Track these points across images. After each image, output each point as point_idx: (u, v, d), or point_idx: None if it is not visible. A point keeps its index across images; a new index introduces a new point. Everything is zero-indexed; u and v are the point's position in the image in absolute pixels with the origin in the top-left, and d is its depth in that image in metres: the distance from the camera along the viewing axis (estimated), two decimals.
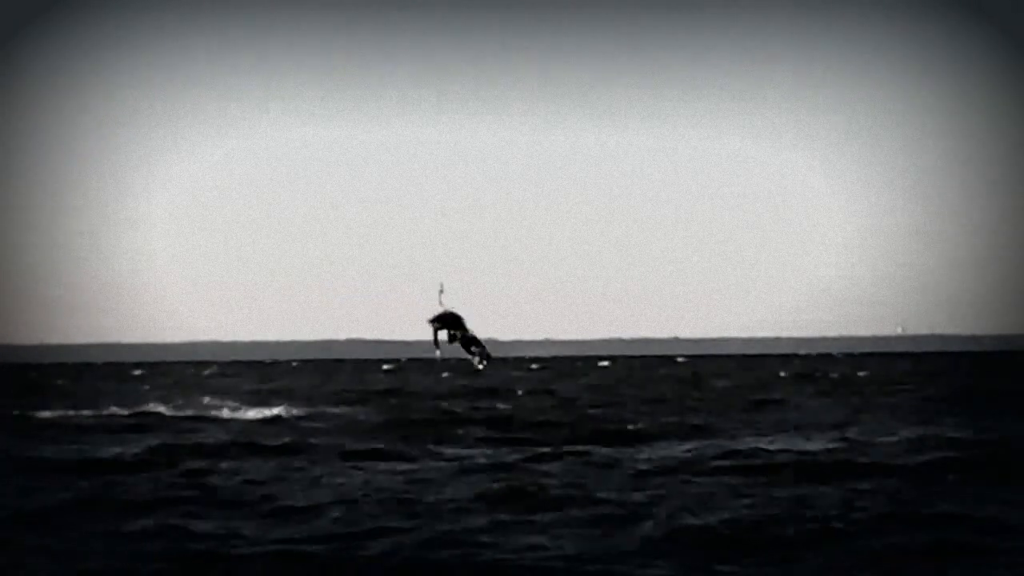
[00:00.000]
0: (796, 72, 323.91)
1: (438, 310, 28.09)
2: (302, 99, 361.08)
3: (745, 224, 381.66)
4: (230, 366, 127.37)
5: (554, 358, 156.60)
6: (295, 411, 29.79)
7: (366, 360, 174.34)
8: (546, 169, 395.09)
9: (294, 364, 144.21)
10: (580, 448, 18.81)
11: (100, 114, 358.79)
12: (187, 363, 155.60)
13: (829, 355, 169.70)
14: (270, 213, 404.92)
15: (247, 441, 20.46)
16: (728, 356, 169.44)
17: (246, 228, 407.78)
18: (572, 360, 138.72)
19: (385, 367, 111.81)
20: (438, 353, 29.27)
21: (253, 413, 29.09)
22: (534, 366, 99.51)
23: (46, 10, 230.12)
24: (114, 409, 30.46)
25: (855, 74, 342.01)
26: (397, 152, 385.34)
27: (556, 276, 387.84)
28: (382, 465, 16.79)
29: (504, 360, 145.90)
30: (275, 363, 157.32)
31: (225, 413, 29.10)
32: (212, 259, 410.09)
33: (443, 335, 27.97)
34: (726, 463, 16.40)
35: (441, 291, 28.53)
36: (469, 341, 28.48)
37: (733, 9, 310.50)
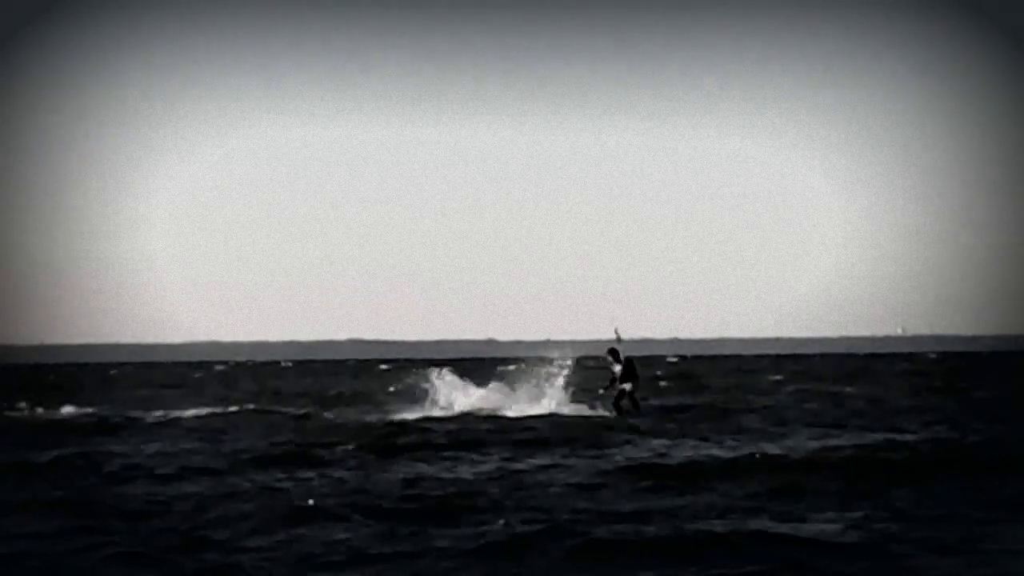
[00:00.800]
0: (796, 72, 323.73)
1: (615, 345, 28.05)
2: (302, 99, 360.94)
3: (745, 224, 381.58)
4: (224, 366, 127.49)
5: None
6: (222, 411, 30.53)
7: (367, 360, 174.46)
8: (546, 169, 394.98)
9: (287, 364, 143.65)
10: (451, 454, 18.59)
11: (100, 114, 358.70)
12: (185, 364, 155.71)
13: (829, 355, 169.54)
14: (270, 213, 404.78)
15: (155, 450, 20.41)
16: (727, 356, 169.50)
17: (246, 228, 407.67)
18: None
19: (383, 367, 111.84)
20: (601, 391, 28.80)
21: (190, 413, 29.69)
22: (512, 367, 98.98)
23: (46, 10, 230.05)
24: (37, 410, 31.17)
25: (855, 74, 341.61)
26: (397, 152, 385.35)
27: (556, 276, 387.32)
28: (254, 476, 16.50)
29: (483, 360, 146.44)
30: (269, 363, 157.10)
31: (156, 414, 29.76)
32: (212, 259, 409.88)
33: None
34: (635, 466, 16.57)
35: (617, 336, 28.64)
36: (623, 396, 28.42)
37: (733, 9, 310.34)
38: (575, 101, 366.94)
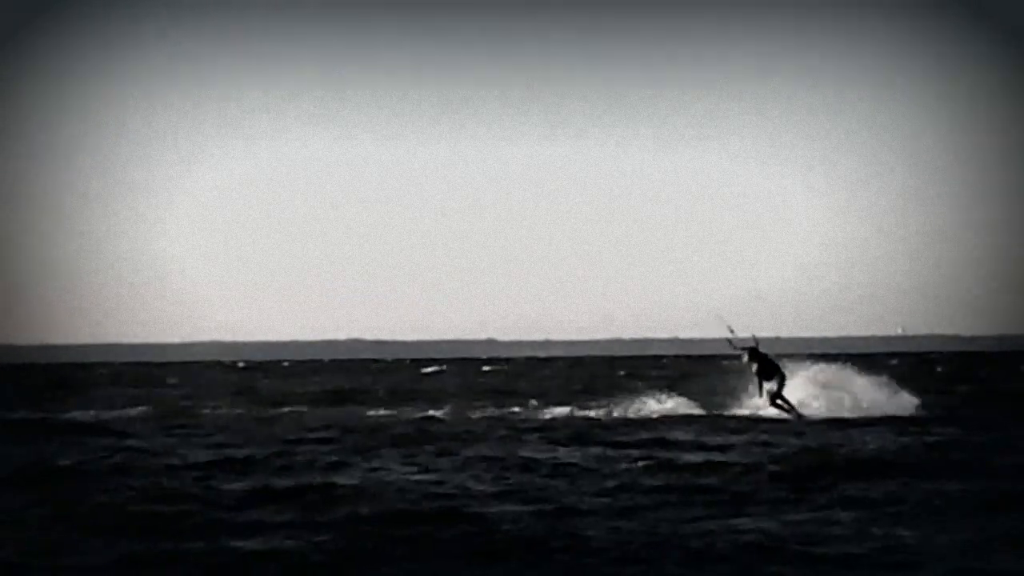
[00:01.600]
0: (796, 73, 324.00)
1: (738, 343, 25.32)
2: (303, 100, 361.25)
3: (745, 224, 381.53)
4: (217, 367, 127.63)
5: (513, 360, 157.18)
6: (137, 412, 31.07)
7: (364, 360, 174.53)
8: (546, 169, 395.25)
9: (285, 364, 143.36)
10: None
11: (101, 115, 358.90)
12: (179, 364, 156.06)
13: (828, 355, 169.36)
14: (270, 213, 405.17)
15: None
16: (726, 356, 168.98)
17: (246, 228, 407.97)
18: (529, 361, 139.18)
19: (374, 366, 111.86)
20: (758, 399, 25.71)
21: (113, 415, 30.34)
22: (486, 368, 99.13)
23: (46, 10, 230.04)
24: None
25: (855, 75, 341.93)
26: (397, 152, 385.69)
27: (556, 276, 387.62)
28: None
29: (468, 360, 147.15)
30: (264, 363, 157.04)
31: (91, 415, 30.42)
32: (212, 259, 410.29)
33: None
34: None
35: (730, 332, 26.20)
36: (775, 397, 25.56)
37: (733, 10, 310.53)
38: (575, 102, 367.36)
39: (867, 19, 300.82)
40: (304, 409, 32.54)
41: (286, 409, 32.54)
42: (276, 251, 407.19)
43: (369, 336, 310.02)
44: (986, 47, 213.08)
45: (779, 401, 25.94)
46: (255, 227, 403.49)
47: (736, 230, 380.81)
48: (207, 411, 31.74)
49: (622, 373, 71.53)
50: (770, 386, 26.00)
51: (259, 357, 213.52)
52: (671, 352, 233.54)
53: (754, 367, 26.02)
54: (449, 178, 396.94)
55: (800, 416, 25.48)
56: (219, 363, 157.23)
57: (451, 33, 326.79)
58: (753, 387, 26.37)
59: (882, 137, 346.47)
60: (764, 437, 20.55)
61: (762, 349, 26.13)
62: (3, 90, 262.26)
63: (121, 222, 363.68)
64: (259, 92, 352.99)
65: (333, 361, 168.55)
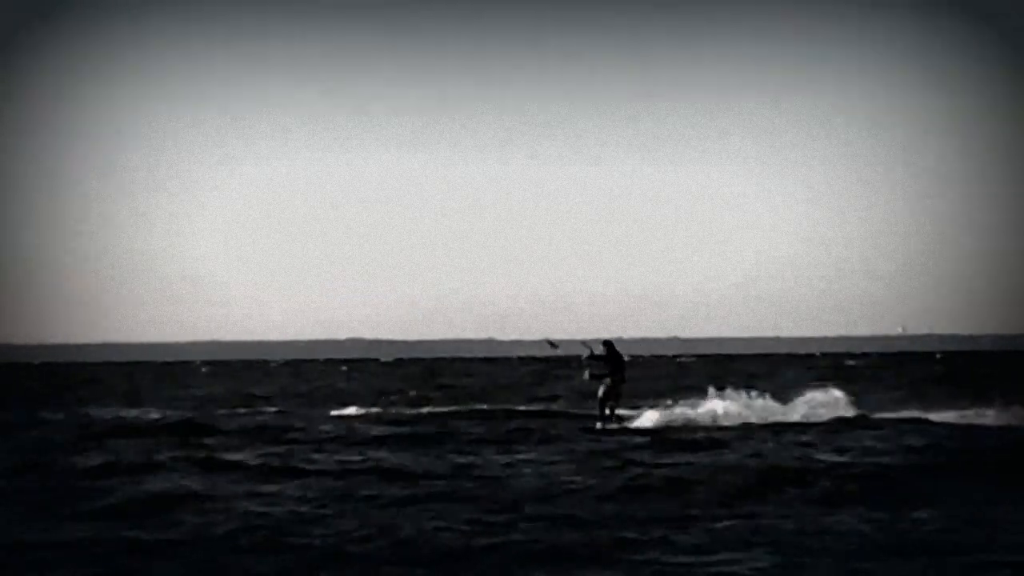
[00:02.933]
0: (796, 72, 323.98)
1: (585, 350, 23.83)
2: (302, 99, 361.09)
3: (745, 224, 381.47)
4: (213, 366, 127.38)
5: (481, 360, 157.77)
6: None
7: (363, 359, 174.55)
8: (546, 169, 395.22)
9: (273, 364, 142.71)
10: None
11: (101, 114, 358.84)
12: (170, 364, 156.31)
13: (819, 355, 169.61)
14: (270, 213, 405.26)
15: None
16: (727, 356, 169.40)
17: (246, 228, 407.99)
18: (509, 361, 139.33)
19: (343, 368, 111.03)
20: (586, 376, 24.12)
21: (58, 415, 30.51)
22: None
23: (47, 10, 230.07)
24: None
25: (856, 75, 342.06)
26: (398, 152, 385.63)
27: (556, 276, 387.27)
28: None
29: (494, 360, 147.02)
30: (259, 363, 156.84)
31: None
32: (212, 259, 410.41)
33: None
34: None
35: (554, 346, 25.81)
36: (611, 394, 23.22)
37: (733, 9, 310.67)
38: (575, 101, 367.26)
39: (866, 21, 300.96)
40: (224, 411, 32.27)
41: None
42: (276, 251, 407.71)
43: (369, 335, 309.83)
44: (986, 47, 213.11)
45: (608, 402, 23.73)
46: (255, 227, 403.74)
47: (736, 230, 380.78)
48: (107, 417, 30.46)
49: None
50: (603, 386, 23.76)
51: (264, 357, 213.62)
52: (671, 352, 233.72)
53: (591, 368, 23.99)
54: (449, 178, 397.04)
55: (606, 425, 23.25)
56: (209, 363, 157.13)
57: (452, 35, 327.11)
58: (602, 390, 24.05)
59: (881, 138, 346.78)
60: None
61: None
62: (3, 90, 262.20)
63: (121, 222, 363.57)
64: (260, 93, 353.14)
65: (328, 361, 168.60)
